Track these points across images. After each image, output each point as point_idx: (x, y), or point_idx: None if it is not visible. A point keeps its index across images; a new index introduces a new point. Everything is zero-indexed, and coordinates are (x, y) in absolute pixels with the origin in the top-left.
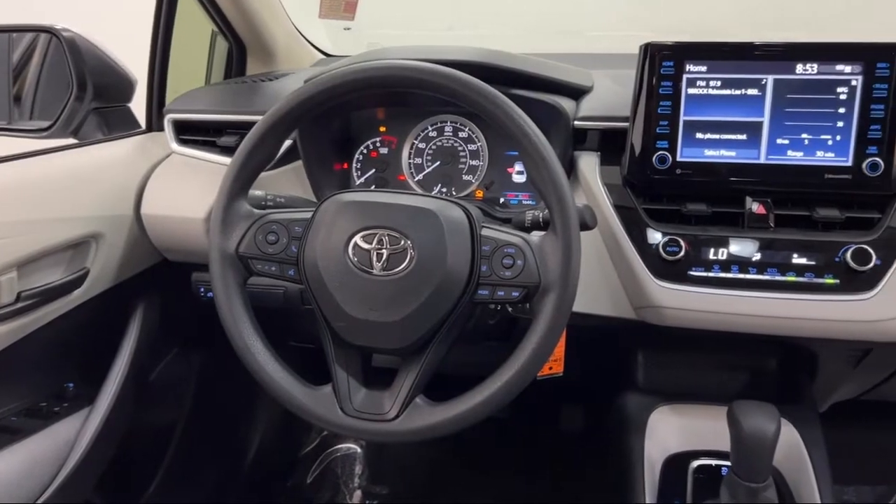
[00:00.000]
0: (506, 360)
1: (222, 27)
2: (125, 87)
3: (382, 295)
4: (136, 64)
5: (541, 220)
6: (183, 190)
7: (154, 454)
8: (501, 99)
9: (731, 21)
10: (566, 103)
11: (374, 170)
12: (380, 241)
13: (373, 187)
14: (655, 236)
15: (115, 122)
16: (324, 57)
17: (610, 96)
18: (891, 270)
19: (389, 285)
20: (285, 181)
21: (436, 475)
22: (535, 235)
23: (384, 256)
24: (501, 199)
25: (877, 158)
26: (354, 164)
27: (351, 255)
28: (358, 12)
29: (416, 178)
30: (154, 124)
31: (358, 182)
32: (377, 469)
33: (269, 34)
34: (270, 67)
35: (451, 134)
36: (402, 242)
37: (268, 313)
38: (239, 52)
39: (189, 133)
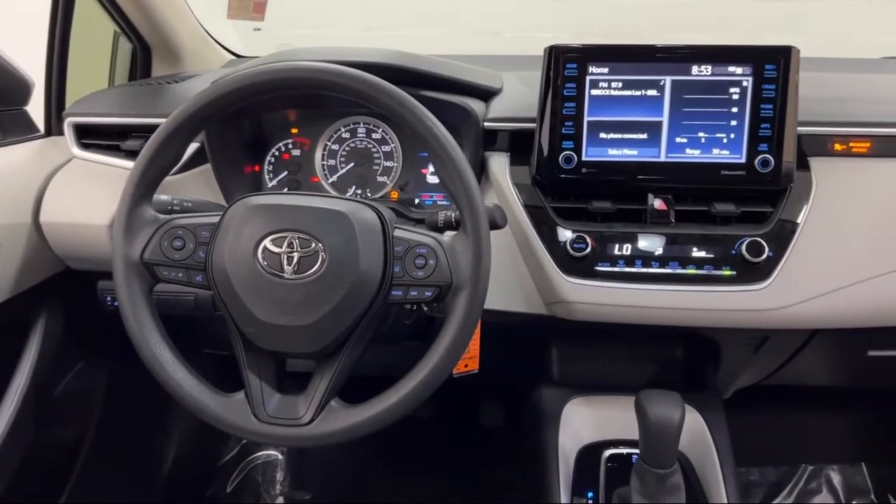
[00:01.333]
0: (420, 360)
1: (124, 27)
2: (21, 89)
3: (294, 299)
4: (34, 66)
5: (453, 220)
6: (85, 196)
7: (59, 473)
8: (409, 100)
9: (642, 24)
10: (476, 105)
11: (286, 172)
12: (290, 245)
13: (285, 190)
14: (563, 234)
15: (11, 127)
16: (234, 58)
17: (519, 97)
18: (782, 261)
19: (301, 289)
20: (193, 185)
21: (358, 478)
22: (447, 235)
23: (295, 260)
24: (416, 200)
25: (767, 155)
26: (266, 167)
27: (261, 259)
28: (272, 13)
29: (330, 180)
30: (53, 128)
31: (270, 185)
32: (299, 475)
33: (175, 35)
34: (177, 69)
35: (364, 135)
36: (313, 245)
37: (179, 321)
38: (143, 54)
39: (91, 137)
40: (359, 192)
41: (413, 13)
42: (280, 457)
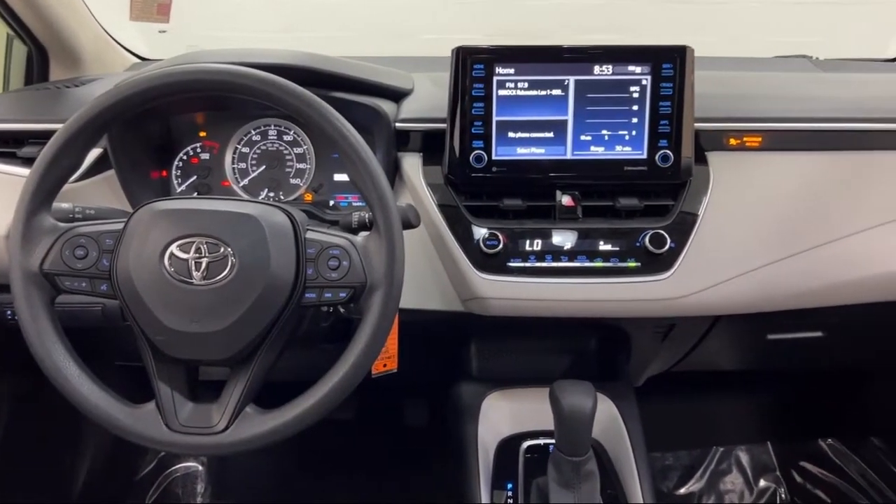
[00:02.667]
0: (336, 361)
1: (17, 30)
2: None
3: (204, 304)
4: None
5: (367, 220)
6: None
7: None
8: (317, 101)
9: (555, 26)
10: (387, 106)
11: (195, 177)
12: (198, 250)
13: (195, 194)
14: (477, 232)
15: None
16: (139, 61)
17: (429, 98)
18: (684, 252)
19: (211, 294)
20: (97, 193)
21: (282, 484)
22: (361, 236)
23: (203, 265)
24: (331, 202)
25: (667, 151)
26: (174, 172)
27: (167, 266)
28: (181, 14)
29: (242, 184)
30: None
31: (178, 190)
32: (220, 485)
33: (73, 37)
34: (77, 73)
35: (275, 137)
36: (222, 250)
37: (90, 333)
38: (39, 57)
39: None
40: (271, 195)
41: (330, 15)
42: (200, 468)
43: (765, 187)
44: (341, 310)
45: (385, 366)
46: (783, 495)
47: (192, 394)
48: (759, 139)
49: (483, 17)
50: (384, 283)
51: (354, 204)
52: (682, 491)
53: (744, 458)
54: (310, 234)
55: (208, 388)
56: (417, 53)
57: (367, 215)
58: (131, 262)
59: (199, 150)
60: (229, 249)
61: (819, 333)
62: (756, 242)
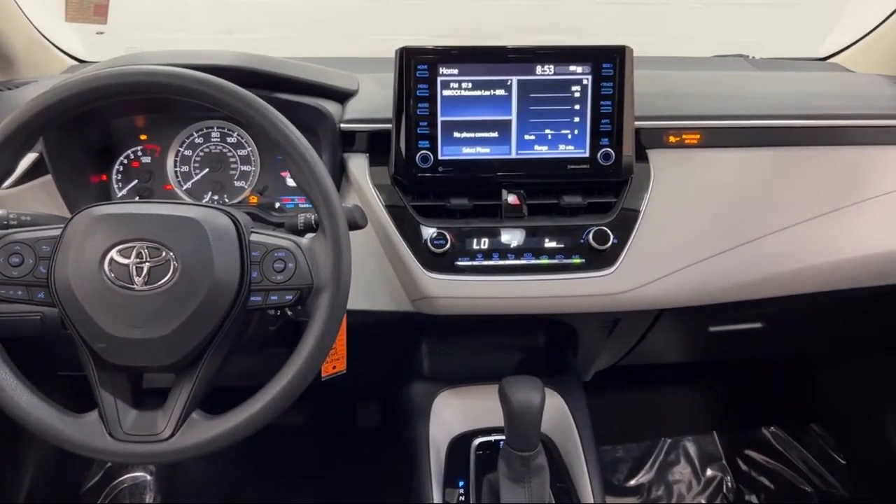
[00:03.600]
0: (284, 364)
1: None
2: None
3: (146, 310)
4: None
5: (313, 222)
6: None
7: None
8: (258, 103)
9: (502, 27)
10: (331, 106)
11: (136, 181)
12: (139, 255)
13: (137, 199)
14: (424, 231)
15: None
16: (76, 63)
17: (375, 99)
18: (626, 247)
19: (153, 300)
20: (34, 199)
21: (233, 492)
22: (307, 238)
23: (145, 270)
24: (277, 204)
25: (609, 149)
26: (114, 176)
27: (107, 272)
28: (121, 15)
29: (185, 187)
30: None
31: (119, 194)
32: (170, 494)
33: (4, 39)
34: (9, 75)
35: (218, 139)
36: (164, 254)
37: (31, 343)
38: None
39: None
40: (215, 198)
41: (276, 16)
42: (149, 477)
43: (703, 183)
44: (289, 313)
45: (335, 368)
46: (729, 483)
47: (136, 401)
48: (698, 136)
49: (431, 18)
50: (331, 284)
51: (301, 206)
52: (633, 483)
53: (691, 448)
54: (254, 237)
55: (153, 396)
56: (366, 54)
57: (312, 217)
58: (70, 268)
59: (139, 153)
60: (171, 254)
61: (758, 324)
62: (695, 237)
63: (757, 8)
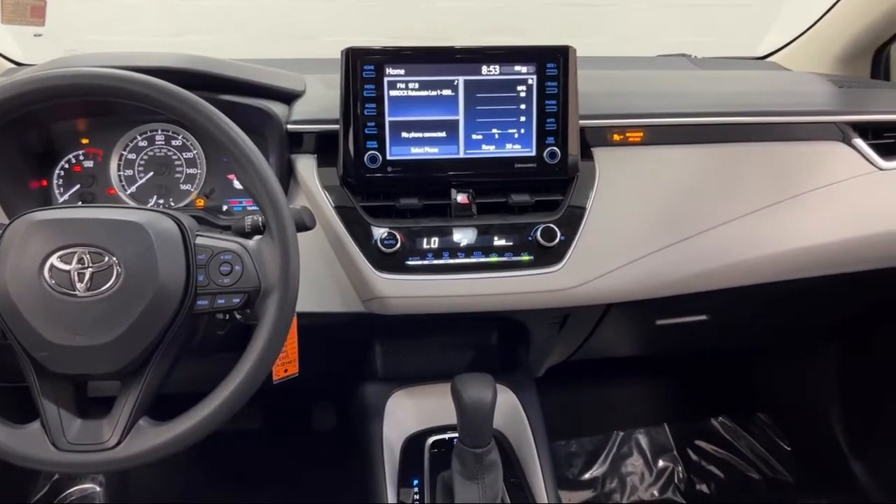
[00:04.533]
0: (232, 369)
1: None
2: None
3: (89, 317)
4: None
5: (260, 224)
6: None
7: None
8: (202, 104)
9: (456, 27)
10: (277, 107)
11: (78, 185)
12: (80, 260)
13: (79, 204)
14: (374, 232)
15: None
16: (13, 66)
17: (322, 99)
18: (573, 244)
19: (96, 306)
20: None
21: (190, 499)
22: (254, 240)
23: (87, 276)
24: (224, 207)
25: (555, 148)
26: (55, 181)
27: (48, 278)
28: (64, 17)
29: (129, 191)
30: None
31: (61, 200)
32: None
33: None
34: None
35: (163, 143)
36: (107, 259)
37: None
38: None
39: None
40: (161, 202)
41: (227, 17)
42: (98, 489)
43: (647, 180)
44: (238, 316)
45: (286, 371)
46: (680, 474)
47: (80, 410)
48: (641, 134)
49: (386, 19)
50: (279, 286)
51: (249, 208)
52: (587, 476)
53: (643, 440)
54: (199, 240)
55: (100, 404)
56: (318, 56)
57: (259, 219)
58: (8, 275)
59: (81, 157)
60: (114, 259)
61: (703, 317)
62: (640, 233)
63: (702, 8)
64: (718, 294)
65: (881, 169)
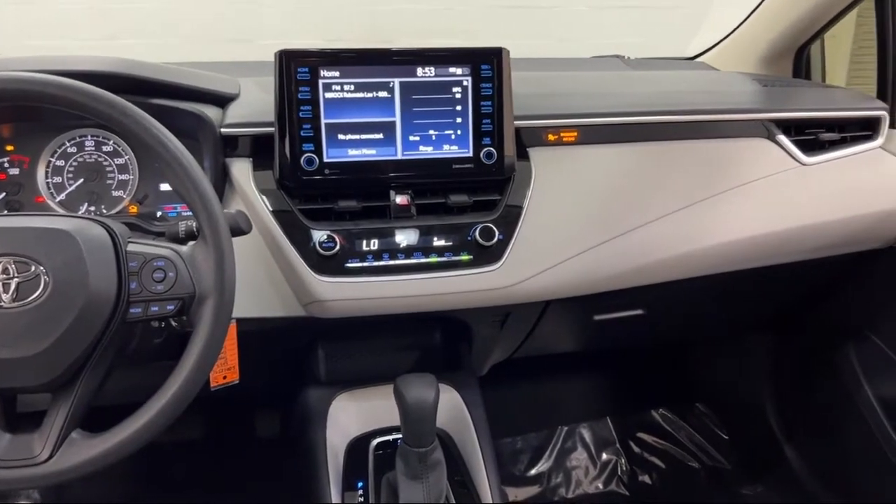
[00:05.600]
0: (167, 376)
1: None
2: None
3: (16, 328)
4: None
5: (194, 229)
6: None
7: None
8: (131, 109)
9: (397, 30)
10: (211, 111)
11: (4, 194)
12: (5, 271)
13: (4, 212)
14: (313, 235)
15: None
16: None
17: (257, 102)
18: (511, 243)
19: (23, 317)
20: None
21: None
22: (188, 246)
23: (13, 286)
24: (159, 213)
25: (491, 148)
26: None
27: None
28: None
29: (58, 199)
30: None
31: None
32: None
33: None
34: None
35: (93, 148)
36: (33, 269)
37: None
38: None
39: None
40: (92, 209)
41: (163, 20)
42: None
43: (581, 179)
44: (173, 323)
45: (225, 378)
46: (623, 466)
47: (9, 425)
48: (575, 134)
49: (327, 22)
50: (214, 292)
51: (184, 214)
52: (533, 472)
53: (586, 434)
54: (131, 247)
55: (30, 418)
56: (254, 59)
57: (194, 224)
58: None
59: (6, 164)
60: (41, 268)
61: (639, 311)
62: (576, 230)
63: (636, 10)
64: (652, 289)
65: (804, 164)
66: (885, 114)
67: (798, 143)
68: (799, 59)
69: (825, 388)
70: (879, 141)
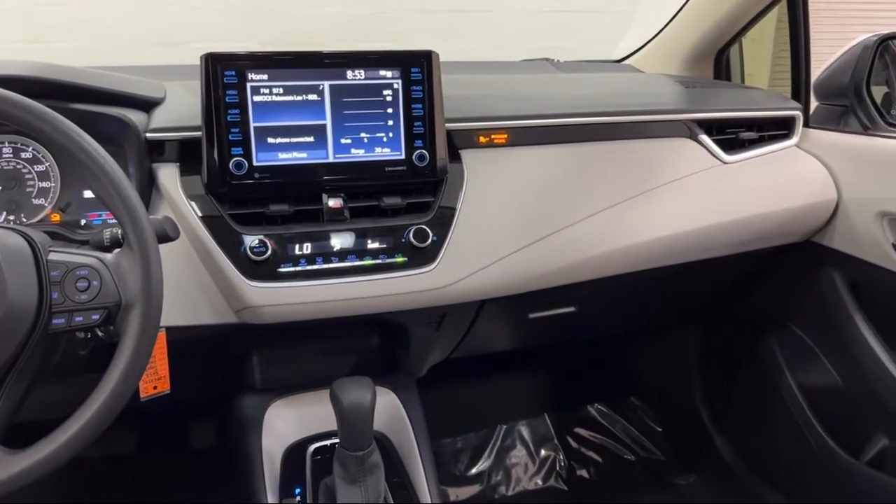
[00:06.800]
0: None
1: None
2: None
3: None
4: None
5: (119, 236)
6: None
7: None
8: (49, 114)
9: (330, 34)
10: (135, 116)
11: None
12: None
13: None
14: (243, 240)
15: None
16: None
17: (183, 107)
18: (445, 244)
19: None
20: None
21: None
22: (113, 254)
23: None
24: (83, 221)
25: (423, 151)
26: None
27: None
28: None
29: None
30: None
31: None
32: None
33: None
34: None
35: (11, 155)
36: None
37: None
38: None
39: None
40: (11, 218)
41: (91, 24)
42: None
43: (513, 180)
44: (100, 334)
45: (156, 388)
46: (562, 461)
47: None
48: (506, 136)
49: (259, 26)
50: (141, 300)
51: (109, 221)
52: (474, 471)
53: (525, 431)
54: (52, 256)
55: None
56: (183, 63)
57: (119, 231)
58: None
59: None
60: None
61: (572, 308)
62: (509, 230)
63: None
64: (584, 286)
65: (725, 162)
66: (799, 114)
67: (719, 143)
68: (719, 61)
69: (750, 378)
70: (794, 140)
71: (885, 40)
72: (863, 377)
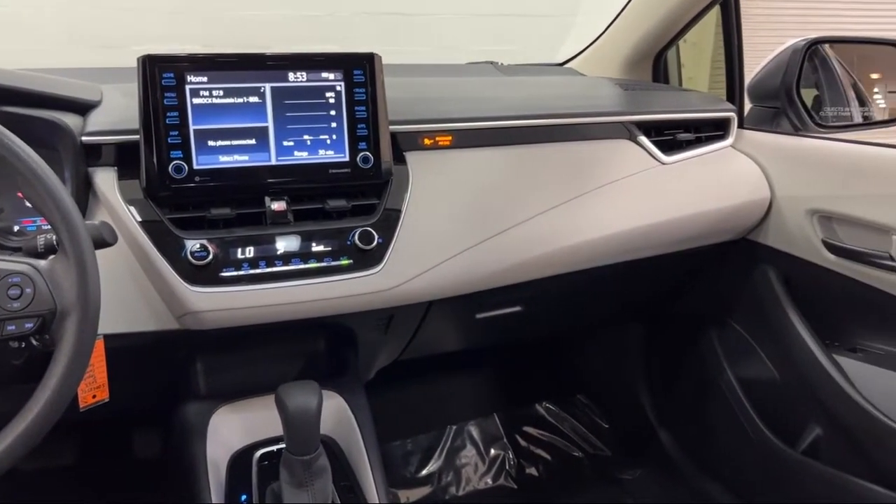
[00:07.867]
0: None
1: None
2: None
3: None
4: None
5: (54, 242)
6: None
7: None
8: None
9: (274, 36)
10: (70, 119)
11: None
12: None
13: None
14: (184, 244)
15: None
16: None
17: (120, 110)
18: (391, 246)
19: None
20: None
21: None
22: (48, 260)
23: None
24: (16, 227)
25: (367, 153)
26: None
27: None
28: None
29: None
30: None
31: None
32: None
33: None
34: None
35: None
36: None
37: None
38: None
39: None
40: None
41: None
42: None
43: (457, 181)
44: (34, 343)
45: (95, 397)
46: (511, 460)
47: None
48: (450, 138)
49: (199, 29)
50: (77, 307)
51: (44, 227)
52: (424, 473)
53: (475, 431)
54: None
55: None
56: (121, 65)
57: (54, 237)
58: None
59: None
60: None
61: (518, 308)
62: (454, 231)
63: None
64: (529, 286)
65: (663, 163)
66: (733, 115)
67: (657, 144)
68: (657, 64)
69: (692, 373)
70: (729, 140)
71: (813, 44)
72: (796, 370)
